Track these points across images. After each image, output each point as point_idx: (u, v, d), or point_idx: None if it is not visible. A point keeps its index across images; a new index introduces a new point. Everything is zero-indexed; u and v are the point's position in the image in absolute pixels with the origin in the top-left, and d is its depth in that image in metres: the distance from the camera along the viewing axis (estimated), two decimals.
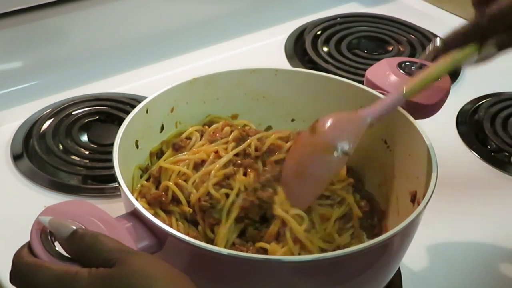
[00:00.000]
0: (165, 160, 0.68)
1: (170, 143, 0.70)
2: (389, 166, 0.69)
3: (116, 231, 0.50)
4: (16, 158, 0.85)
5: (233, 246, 0.62)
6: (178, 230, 0.59)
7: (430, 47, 0.67)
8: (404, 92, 0.64)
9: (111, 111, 0.93)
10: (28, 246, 0.48)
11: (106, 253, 0.47)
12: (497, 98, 0.99)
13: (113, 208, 0.55)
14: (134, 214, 0.55)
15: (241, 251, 0.60)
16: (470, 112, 0.96)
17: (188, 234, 0.61)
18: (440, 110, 0.71)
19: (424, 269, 0.73)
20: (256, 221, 0.63)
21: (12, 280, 0.47)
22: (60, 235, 0.48)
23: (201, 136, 0.71)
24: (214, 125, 0.71)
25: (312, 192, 0.64)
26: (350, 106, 0.72)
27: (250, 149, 0.67)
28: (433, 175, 0.60)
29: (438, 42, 0.66)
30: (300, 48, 1.11)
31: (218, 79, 0.72)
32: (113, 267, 0.46)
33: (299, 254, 0.60)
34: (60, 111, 0.92)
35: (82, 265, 0.47)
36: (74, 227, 0.48)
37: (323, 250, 0.61)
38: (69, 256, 0.48)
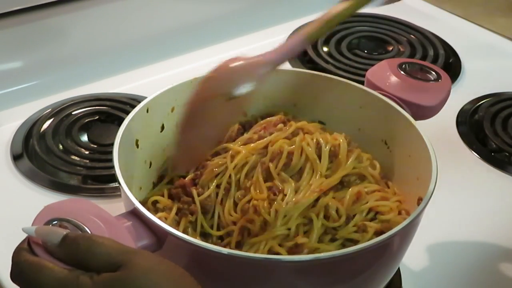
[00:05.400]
0: None
1: None
2: (389, 167, 0.69)
3: (116, 230, 0.50)
4: (16, 158, 0.85)
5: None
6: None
7: None
8: (307, 36, 0.64)
9: (111, 111, 0.93)
10: (28, 243, 0.48)
11: (106, 256, 0.46)
12: (497, 98, 0.99)
13: (113, 208, 0.55)
14: (134, 213, 0.55)
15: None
16: (470, 112, 0.96)
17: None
18: (440, 110, 0.71)
19: (424, 269, 0.73)
20: None
21: (13, 278, 0.47)
22: (51, 242, 0.46)
23: (249, 127, 0.72)
24: (267, 119, 0.71)
25: (207, 143, 0.64)
26: (350, 106, 0.72)
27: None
28: (433, 175, 0.60)
29: None
30: None
31: None
32: (118, 271, 0.45)
33: None
34: (60, 111, 0.92)
35: (81, 269, 0.46)
36: (64, 232, 0.47)
37: None
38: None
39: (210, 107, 0.61)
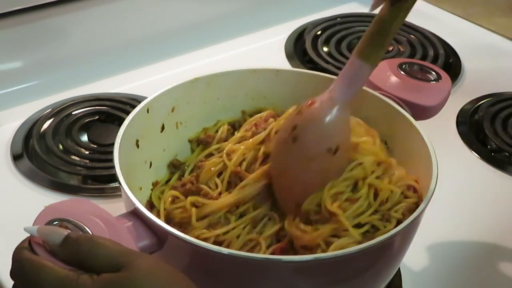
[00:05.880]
0: (197, 157, 0.70)
1: (197, 139, 0.72)
2: None
3: (117, 230, 0.50)
4: (16, 158, 0.85)
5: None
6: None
7: None
8: (357, 53, 0.61)
9: (111, 111, 0.93)
10: (29, 242, 0.48)
11: (107, 258, 0.46)
12: (497, 98, 0.99)
13: (113, 208, 0.55)
14: (135, 213, 0.55)
15: None
16: (470, 112, 0.96)
17: None
18: (440, 110, 0.71)
19: (424, 269, 0.73)
20: None
21: (13, 275, 0.47)
22: (52, 242, 0.47)
23: (239, 126, 0.72)
24: (256, 115, 0.71)
25: (311, 189, 0.61)
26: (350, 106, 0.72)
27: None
28: (433, 175, 0.60)
29: None
30: (300, 48, 1.11)
31: (219, 79, 0.72)
32: (119, 272, 0.45)
33: None
34: (60, 111, 0.92)
35: (82, 269, 0.46)
36: (65, 232, 0.47)
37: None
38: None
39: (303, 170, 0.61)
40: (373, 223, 0.60)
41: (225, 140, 0.70)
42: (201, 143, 0.72)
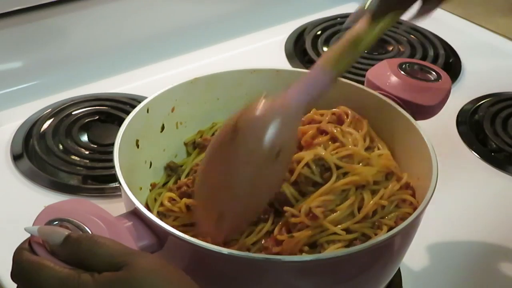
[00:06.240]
0: (193, 160, 0.70)
1: (192, 142, 0.72)
2: None
3: (117, 230, 0.50)
4: (16, 158, 0.85)
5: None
6: None
7: (356, 11, 0.59)
8: (325, 62, 0.58)
9: (111, 111, 0.93)
10: (29, 243, 0.48)
11: (108, 257, 0.46)
12: (497, 98, 0.99)
13: (113, 208, 0.55)
14: (135, 213, 0.55)
15: None
16: (470, 112, 0.96)
17: None
18: (440, 110, 0.71)
19: (424, 269, 0.73)
20: None
21: (14, 277, 0.47)
22: (53, 242, 0.47)
23: None
24: None
25: (249, 212, 0.58)
26: (350, 106, 0.72)
27: None
28: (433, 175, 0.60)
29: (368, 3, 0.58)
30: (300, 48, 1.11)
31: (219, 79, 0.72)
32: (120, 271, 0.45)
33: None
34: (60, 111, 0.92)
35: (83, 269, 0.46)
36: (66, 232, 0.47)
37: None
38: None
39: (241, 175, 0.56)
40: (363, 231, 0.59)
41: None
42: (197, 146, 0.72)
